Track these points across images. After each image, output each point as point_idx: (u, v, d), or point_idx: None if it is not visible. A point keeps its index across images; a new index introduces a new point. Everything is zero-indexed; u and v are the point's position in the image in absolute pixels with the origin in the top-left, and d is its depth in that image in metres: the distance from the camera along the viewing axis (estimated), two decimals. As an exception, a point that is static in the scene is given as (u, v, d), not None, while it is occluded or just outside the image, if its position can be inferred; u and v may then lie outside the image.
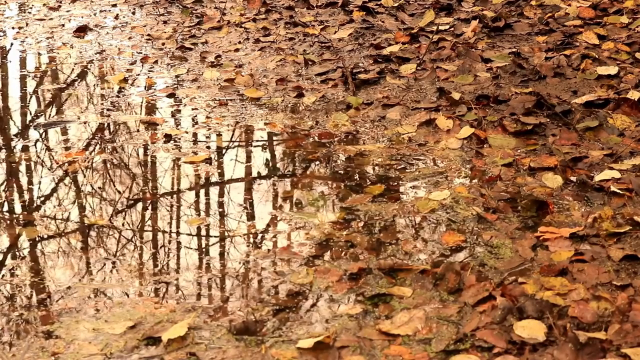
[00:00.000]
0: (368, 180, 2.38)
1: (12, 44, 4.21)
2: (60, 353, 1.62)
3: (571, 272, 1.83)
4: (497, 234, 2.03)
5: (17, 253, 2.06)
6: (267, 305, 1.77)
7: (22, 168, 2.59)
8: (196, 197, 2.35)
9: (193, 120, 2.97)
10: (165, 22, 4.44)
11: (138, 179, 2.49)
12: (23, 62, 3.91)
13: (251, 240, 2.07)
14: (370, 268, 1.88)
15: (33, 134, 2.90)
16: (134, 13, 4.76)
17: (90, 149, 2.73)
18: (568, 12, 3.78)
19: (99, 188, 2.42)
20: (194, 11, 4.54)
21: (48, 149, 2.73)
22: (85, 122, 2.98)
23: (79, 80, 3.59)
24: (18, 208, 2.32)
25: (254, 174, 2.48)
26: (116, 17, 4.65)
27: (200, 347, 1.63)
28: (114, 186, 2.44)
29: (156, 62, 3.72)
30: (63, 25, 4.53)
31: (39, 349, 1.64)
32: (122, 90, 3.35)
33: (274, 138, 2.78)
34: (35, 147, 2.76)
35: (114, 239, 2.11)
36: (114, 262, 1.98)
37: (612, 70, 3.07)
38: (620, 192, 2.17)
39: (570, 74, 3.10)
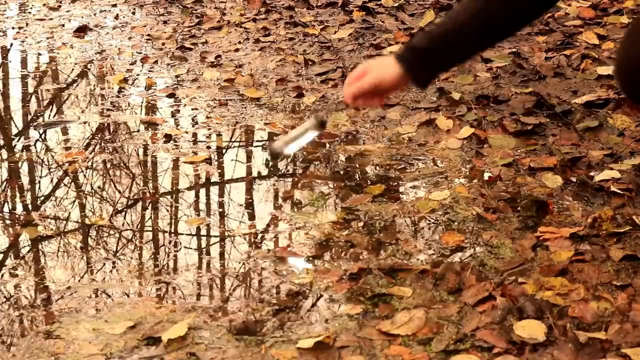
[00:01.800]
0: (368, 181, 2.38)
1: (12, 44, 4.20)
2: (60, 353, 1.62)
3: (571, 272, 1.83)
4: (497, 234, 2.03)
5: (17, 253, 2.06)
6: (267, 305, 1.77)
7: (22, 168, 2.59)
8: (196, 197, 2.35)
9: (193, 120, 2.97)
10: (165, 22, 4.44)
11: (138, 179, 2.49)
12: (23, 62, 3.91)
13: (251, 240, 2.07)
14: (370, 268, 1.88)
15: (33, 134, 2.90)
16: (134, 13, 4.76)
17: (91, 149, 2.73)
18: (568, 12, 3.78)
19: (99, 188, 2.42)
20: (194, 11, 4.54)
21: (48, 149, 2.73)
22: (85, 122, 2.98)
23: (79, 80, 3.59)
24: (18, 208, 2.32)
25: (254, 174, 2.48)
26: (116, 17, 4.65)
27: (200, 347, 1.63)
28: (114, 186, 2.44)
29: (156, 62, 3.72)
30: (63, 25, 4.53)
31: (39, 349, 1.64)
32: (122, 90, 3.35)
33: (274, 138, 2.78)
34: (35, 147, 2.76)
35: (114, 239, 2.11)
36: (114, 262, 1.98)
37: (612, 70, 3.06)
38: (620, 192, 2.17)
39: (570, 74, 3.09)
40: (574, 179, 2.29)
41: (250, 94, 3.18)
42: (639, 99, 2.01)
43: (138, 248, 2.06)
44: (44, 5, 5.03)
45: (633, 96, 1.97)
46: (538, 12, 1.87)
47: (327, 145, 2.66)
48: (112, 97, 3.27)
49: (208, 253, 2.03)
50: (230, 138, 2.80)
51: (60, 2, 5.08)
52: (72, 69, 3.71)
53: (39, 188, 2.43)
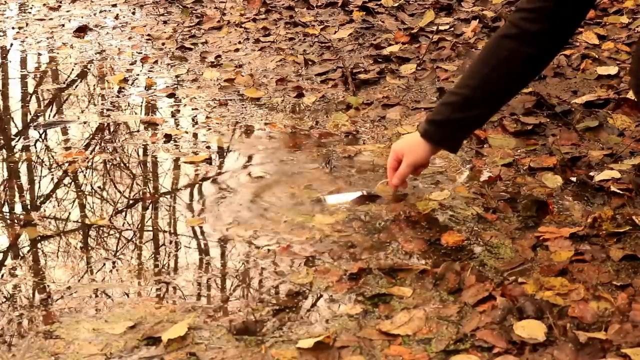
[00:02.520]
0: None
1: (12, 44, 4.21)
2: (60, 353, 1.62)
3: (571, 272, 1.83)
4: (497, 234, 2.03)
5: (17, 253, 2.06)
6: (267, 305, 1.77)
7: (22, 168, 2.59)
8: (196, 197, 2.35)
9: (193, 120, 2.98)
10: (165, 22, 4.44)
11: (138, 179, 2.49)
12: (23, 62, 3.92)
13: (251, 240, 2.06)
14: (370, 268, 1.88)
15: (33, 134, 2.90)
16: (134, 13, 4.76)
17: (91, 149, 2.73)
18: (568, 12, 3.77)
19: (99, 188, 2.42)
20: (194, 11, 4.55)
21: (48, 149, 2.73)
22: (85, 122, 2.98)
23: (79, 80, 3.59)
24: (18, 208, 2.32)
25: (254, 174, 2.48)
26: (116, 17, 4.65)
27: (200, 347, 1.63)
28: (114, 186, 2.44)
29: (156, 62, 3.73)
30: (63, 25, 4.54)
31: (39, 349, 1.64)
32: (122, 90, 3.36)
33: (274, 138, 2.78)
34: (35, 147, 2.76)
35: (114, 239, 2.11)
36: (114, 262, 1.98)
37: (612, 70, 3.07)
38: (620, 192, 2.17)
39: (570, 74, 3.10)
40: (574, 179, 2.29)
41: (250, 94, 3.18)
42: None
43: (138, 248, 2.06)
44: (44, 5, 5.03)
45: None
46: (556, 48, 1.93)
47: (327, 145, 2.66)
48: (112, 97, 3.27)
49: (208, 253, 2.03)
50: (230, 138, 2.79)
51: (60, 2, 5.08)
52: (72, 69, 3.71)
53: (39, 188, 2.43)
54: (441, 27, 3.75)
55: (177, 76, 3.49)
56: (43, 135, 2.87)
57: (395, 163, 2.13)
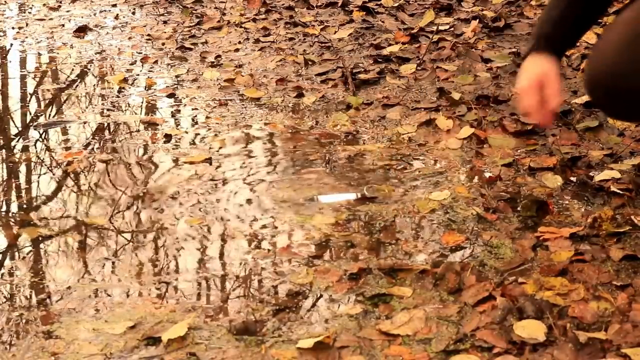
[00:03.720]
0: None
1: (12, 44, 4.21)
2: (60, 353, 1.62)
3: (571, 272, 1.83)
4: (497, 234, 2.03)
5: (17, 253, 2.06)
6: (267, 305, 1.77)
7: (22, 168, 2.59)
8: (196, 197, 2.34)
9: (193, 120, 2.98)
10: (165, 22, 4.44)
11: (138, 179, 2.49)
12: (23, 62, 3.91)
13: (251, 240, 2.06)
14: (370, 268, 1.88)
15: (33, 133, 2.90)
16: (134, 13, 4.76)
17: (90, 149, 2.73)
18: (568, 12, 3.77)
19: (99, 188, 2.42)
20: (194, 11, 4.55)
21: (48, 149, 2.73)
22: (85, 122, 2.98)
23: (79, 80, 3.59)
24: (18, 208, 2.32)
25: (254, 174, 2.48)
26: (116, 17, 4.65)
27: (200, 347, 1.63)
28: (114, 186, 2.44)
29: (156, 62, 3.72)
30: (63, 25, 4.54)
31: (39, 349, 1.64)
32: (122, 90, 3.35)
33: (274, 138, 2.78)
34: (35, 147, 2.76)
35: (113, 239, 2.11)
36: (113, 262, 1.98)
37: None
38: (620, 192, 2.17)
39: (570, 74, 3.10)
40: (574, 179, 2.29)
41: (250, 94, 3.18)
42: (609, 113, 2.05)
43: (138, 248, 2.06)
44: (44, 5, 5.03)
45: (605, 111, 2.01)
46: None
47: (327, 145, 2.66)
48: (112, 97, 3.27)
49: (208, 253, 2.03)
50: (230, 138, 2.79)
51: (60, 2, 5.08)
52: (72, 69, 3.71)
53: (39, 188, 2.43)
54: (441, 27, 3.75)
55: (177, 76, 3.49)
56: (43, 135, 2.87)
57: (538, 97, 1.86)
